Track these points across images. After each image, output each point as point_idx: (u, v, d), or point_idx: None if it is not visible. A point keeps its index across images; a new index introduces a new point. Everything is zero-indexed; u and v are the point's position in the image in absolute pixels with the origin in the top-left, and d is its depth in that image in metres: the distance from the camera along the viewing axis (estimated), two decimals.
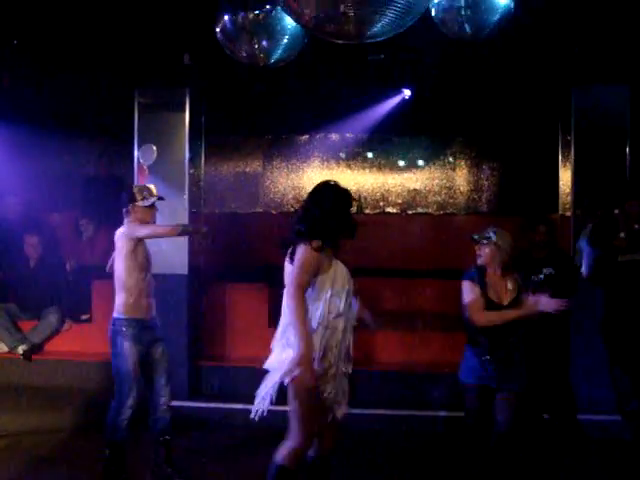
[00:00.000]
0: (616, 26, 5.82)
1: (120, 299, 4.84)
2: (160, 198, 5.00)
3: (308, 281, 3.76)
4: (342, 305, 3.83)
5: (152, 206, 4.94)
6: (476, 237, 4.80)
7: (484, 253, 4.76)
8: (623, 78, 6.42)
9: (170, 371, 5.15)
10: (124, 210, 4.91)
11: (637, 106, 6.54)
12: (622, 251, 5.74)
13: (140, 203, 4.86)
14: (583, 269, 5.85)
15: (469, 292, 4.71)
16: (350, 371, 3.96)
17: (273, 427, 5.86)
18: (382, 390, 6.60)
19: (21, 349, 6.84)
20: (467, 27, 4.62)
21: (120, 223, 4.97)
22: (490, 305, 4.69)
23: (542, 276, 5.68)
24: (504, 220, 7.14)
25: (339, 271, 3.88)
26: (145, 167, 6.64)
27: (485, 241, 4.73)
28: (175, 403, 6.47)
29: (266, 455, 3.92)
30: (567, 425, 5.84)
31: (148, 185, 5.04)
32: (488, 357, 4.65)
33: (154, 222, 5.02)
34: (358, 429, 5.60)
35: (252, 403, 4.01)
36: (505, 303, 4.71)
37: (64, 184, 8.78)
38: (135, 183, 6.75)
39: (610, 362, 5.74)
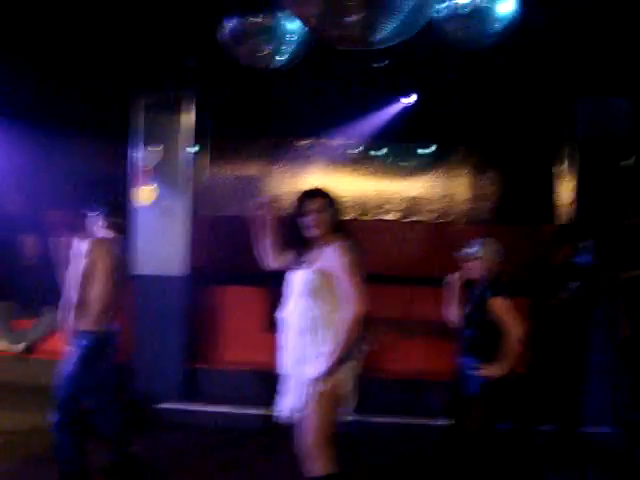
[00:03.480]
0: (620, 38, 5.83)
1: None
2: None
3: None
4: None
5: None
6: (461, 254, 4.83)
7: (469, 268, 4.81)
8: (625, 90, 6.45)
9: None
10: (96, 215, 4.92)
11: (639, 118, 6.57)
12: (630, 267, 5.78)
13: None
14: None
15: None
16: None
17: (267, 431, 5.90)
18: (379, 397, 6.59)
19: (19, 347, 6.84)
20: (470, 36, 4.62)
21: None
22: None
23: (570, 290, 5.57)
24: (503, 229, 7.15)
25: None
26: (148, 168, 6.68)
27: (472, 257, 4.77)
28: (169, 405, 6.52)
29: (260, 457, 3.95)
30: (568, 436, 5.84)
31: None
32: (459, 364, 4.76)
33: None
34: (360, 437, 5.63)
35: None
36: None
37: (63, 183, 8.77)
38: (136, 184, 6.78)
39: (617, 375, 5.78)
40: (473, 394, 4.63)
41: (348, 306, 3.74)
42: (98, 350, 4.83)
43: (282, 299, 3.99)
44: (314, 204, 3.91)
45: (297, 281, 3.89)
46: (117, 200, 5.07)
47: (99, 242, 4.79)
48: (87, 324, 4.78)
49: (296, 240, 4.01)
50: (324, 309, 3.80)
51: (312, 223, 3.89)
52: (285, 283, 4.01)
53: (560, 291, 5.52)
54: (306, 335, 3.81)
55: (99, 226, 4.91)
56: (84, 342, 4.76)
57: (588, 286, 5.60)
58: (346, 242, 3.87)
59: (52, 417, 4.72)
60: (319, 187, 4.07)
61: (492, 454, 4.69)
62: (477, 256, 4.75)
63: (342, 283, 3.78)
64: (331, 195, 4.01)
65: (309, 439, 3.77)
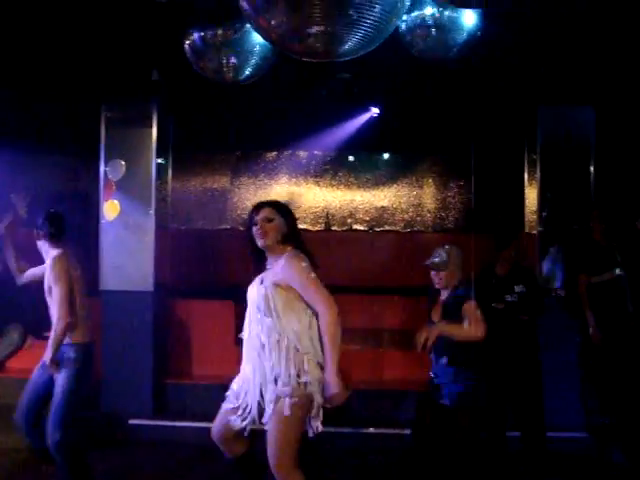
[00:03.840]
0: (582, 47, 5.91)
1: None
2: None
3: None
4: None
5: None
6: (429, 264, 4.86)
7: (440, 278, 4.84)
8: (588, 99, 6.53)
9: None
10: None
11: (601, 126, 6.65)
12: (595, 271, 5.86)
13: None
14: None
15: None
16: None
17: None
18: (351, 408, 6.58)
19: None
20: (434, 46, 4.65)
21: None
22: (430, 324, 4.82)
23: (515, 295, 5.69)
24: (470, 238, 7.18)
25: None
26: (113, 182, 6.61)
27: (441, 266, 4.81)
28: (139, 421, 6.45)
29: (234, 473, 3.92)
30: (534, 442, 5.88)
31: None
32: (431, 374, 4.80)
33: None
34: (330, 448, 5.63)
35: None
36: (436, 319, 4.83)
37: (29, 200, 8.65)
38: (101, 198, 6.72)
39: (581, 380, 5.83)
40: (451, 404, 4.64)
41: (321, 312, 3.70)
42: (88, 362, 4.77)
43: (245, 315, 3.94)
44: (261, 213, 3.86)
45: (254, 296, 3.83)
46: (54, 212, 4.88)
47: (61, 258, 4.71)
48: (76, 337, 4.69)
49: (255, 254, 3.94)
50: (285, 324, 3.71)
51: (259, 232, 3.82)
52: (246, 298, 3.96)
53: (505, 295, 5.57)
54: (269, 352, 3.72)
55: (49, 244, 4.83)
56: (73, 355, 4.66)
57: (532, 290, 5.67)
58: (296, 251, 3.82)
59: (51, 438, 4.55)
60: (271, 199, 4.14)
61: (479, 463, 4.75)
62: (446, 266, 4.76)
63: (305, 291, 3.73)
64: (281, 204, 4.00)
65: (276, 460, 3.67)
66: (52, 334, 4.61)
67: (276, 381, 3.68)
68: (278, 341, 3.71)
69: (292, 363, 3.68)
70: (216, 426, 3.96)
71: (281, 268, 3.76)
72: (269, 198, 4.20)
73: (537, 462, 5.58)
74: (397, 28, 4.39)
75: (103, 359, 6.63)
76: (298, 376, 3.67)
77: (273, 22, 3.19)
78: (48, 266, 4.71)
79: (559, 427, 6.02)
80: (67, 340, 4.66)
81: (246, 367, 3.86)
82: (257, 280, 3.86)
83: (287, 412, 3.62)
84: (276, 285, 3.74)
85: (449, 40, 4.59)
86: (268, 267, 3.87)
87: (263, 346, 3.74)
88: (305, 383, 3.67)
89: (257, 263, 3.93)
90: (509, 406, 5.57)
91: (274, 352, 3.71)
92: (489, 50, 5.39)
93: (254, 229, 3.85)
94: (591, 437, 5.91)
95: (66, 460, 4.57)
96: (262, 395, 3.73)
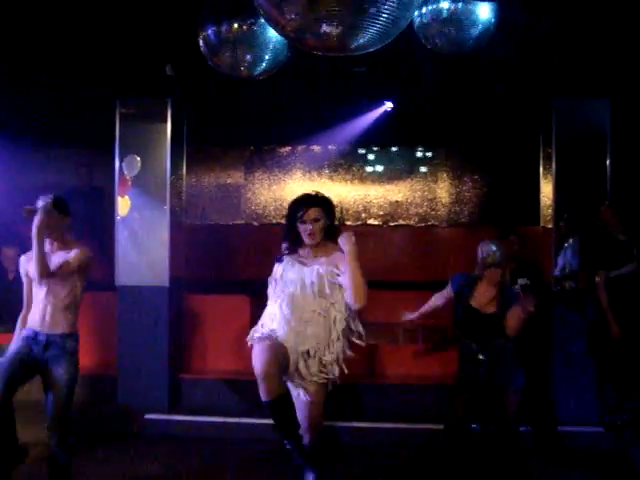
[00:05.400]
0: (597, 39, 5.86)
1: None
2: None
3: None
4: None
5: None
6: (495, 263, 5.07)
7: (497, 275, 5.09)
8: (604, 91, 6.48)
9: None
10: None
11: (617, 119, 6.60)
12: (610, 266, 5.82)
13: None
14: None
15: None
16: None
17: (253, 440, 5.87)
18: (371, 402, 6.59)
19: None
20: (449, 40, 4.64)
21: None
22: (471, 312, 5.10)
23: (518, 287, 5.73)
24: (485, 232, 7.16)
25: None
26: (128, 178, 6.62)
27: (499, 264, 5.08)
28: (155, 416, 6.47)
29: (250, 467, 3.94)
30: (547, 437, 5.86)
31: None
32: (481, 357, 5.01)
33: None
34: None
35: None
36: (487, 312, 5.08)
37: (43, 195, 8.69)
38: (116, 194, 6.74)
39: (598, 376, 5.80)
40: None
41: (355, 300, 4.03)
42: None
43: (280, 296, 4.13)
44: (311, 213, 4.11)
45: (300, 279, 4.10)
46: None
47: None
48: (72, 327, 4.64)
49: (291, 244, 4.21)
50: (334, 304, 4.09)
51: (308, 233, 4.10)
52: (277, 282, 4.18)
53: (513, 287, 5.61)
54: (318, 327, 4.06)
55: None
56: (74, 345, 4.62)
57: (536, 284, 5.69)
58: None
59: (58, 432, 4.50)
60: (318, 195, 4.24)
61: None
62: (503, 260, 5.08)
63: (347, 279, 4.05)
64: (328, 203, 4.23)
65: (316, 415, 4.15)
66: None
67: (317, 354, 4.06)
68: (327, 318, 4.09)
69: (334, 339, 4.09)
70: (267, 357, 3.92)
71: (334, 258, 4.11)
72: (310, 191, 4.27)
73: (550, 456, 5.56)
74: (412, 22, 4.38)
75: (119, 354, 6.66)
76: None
77: (288, 16, 3.18)
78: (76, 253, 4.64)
79: (574, 422, 6.03)
80: (69, 330, 4.60)
81: (288, 334, 4.05)
82: (296, 263, 4.14)
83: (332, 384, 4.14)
84: (329, 272, 4.08)
85: (464, 33, 4.57)
86: (301, 257, 4.17)
87: (313, 322, 4.06)
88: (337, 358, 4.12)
89: (290, 252, 4.22)
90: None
91: (321, 326, 4.07)
92: (504, 43, 5.36)
93: (302, 227, 4.12)
94: (607, 433, 5.86)
95: (68, 453, 4.54)
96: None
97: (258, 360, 3.88)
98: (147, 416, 6.45)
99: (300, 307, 4.07)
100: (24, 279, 4.76)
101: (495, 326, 5.02)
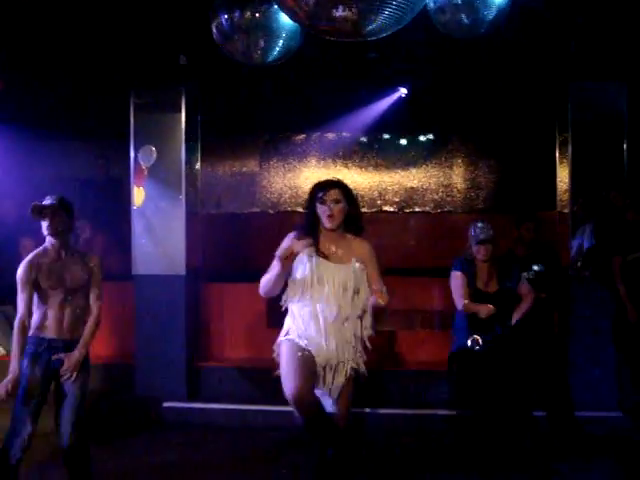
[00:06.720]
0: (613, 23, 5.81)
1: None
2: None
3: None
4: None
5: None
6: (487, 238, 5.27)
7: (488, 251, 5.29)
8: (620, 75, 6.42)
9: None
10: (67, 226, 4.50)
11: (634, 103, 6.54)
12: (628, 250, 5.81)
13: None
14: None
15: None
16: None
17: (271, 428, 5.88)
18: (386, 388, 6.59)
19: None
20: (463, 24, 4.60)
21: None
22: (478, 293, 5.30)
23: (532, 272, 5.77)
24: (501, 218, 7.14)
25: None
26: (144, 168, 6.64)
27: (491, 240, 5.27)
28: (173, 404, 6.51)
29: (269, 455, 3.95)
30: (565, 422, 5.83)
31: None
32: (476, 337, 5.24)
33: None
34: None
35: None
36: (491, 291, 5.32)
37: (60, 186, 8.74)
38: (132, 184, 6.76)
39: (616, 360, 5.80)
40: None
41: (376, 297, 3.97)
42: None
43: (310, 294, 4.02)
44: (331, 194, 4.03)
45: (331, 273, 3.99)
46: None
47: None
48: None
49: (310, 231, 4.07)
50: (362, 300, 4.05)
51: (327, 214, 4.00)
52: (303, 272, 4.02)
53: (522, 273, 5.64)
54: (347, 323, 4.02)
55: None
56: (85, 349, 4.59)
57: (552, 269, 5.71)
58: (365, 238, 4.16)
59: (72, 437, 4.32)
60: (336, 179, 4.21)
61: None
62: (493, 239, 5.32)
63: (372, 276, 4.09)
64: (347, 187, 4.16)
65: (347, 406, 4.12)
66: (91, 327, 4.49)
67: (346, 349, 4.04)
68: (356, 314, 4.07)
69: (358, 334, 4.10)
70: (299, 382, 3.85)
71: (360, 250, 4.10)
72: (332, 177, 4.25)
73: (566, 441, 5.55)
74: (425, 6, 4.35)
75: (137, 343, 6.69)
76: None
77: (300, 2, 3.17)
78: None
79: (592, 407, 6.00)
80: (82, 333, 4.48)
81: (323, 337, 4.00)
82: (326, 256, 4.02)
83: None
84: (359, 266, 4.05)
85: (478, 18, 4.53)
86: (330, 245, 4.06)
87: (343, 318, 4.01)
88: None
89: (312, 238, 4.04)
90: (533, 384, 5.55)
91: (351, 322, 4.04)
92: (518, 27, 5.33)
93: (322, 208, 4.02)
94: (626, 417, 5.84)
95: (84, 457, 4.41)
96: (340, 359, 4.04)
97: (289, 382, 3.84)
98: (165, 404, 6.49)
99: (337, 308, 3.99)
100: (26, 286, 4.48)
101: (502, 303, 5.26)
